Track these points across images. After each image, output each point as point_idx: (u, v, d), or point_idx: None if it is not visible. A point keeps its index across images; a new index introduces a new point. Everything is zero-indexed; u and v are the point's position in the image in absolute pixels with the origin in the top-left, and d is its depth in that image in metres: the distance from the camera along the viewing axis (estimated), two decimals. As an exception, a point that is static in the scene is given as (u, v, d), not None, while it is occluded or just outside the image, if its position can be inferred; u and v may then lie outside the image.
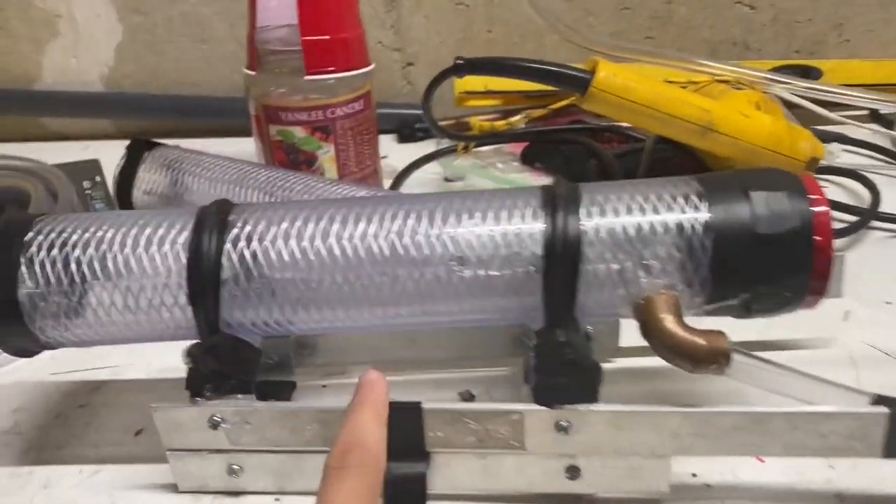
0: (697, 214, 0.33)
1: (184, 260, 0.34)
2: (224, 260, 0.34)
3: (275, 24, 0.60)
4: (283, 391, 0.41)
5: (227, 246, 0.34)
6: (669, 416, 0.32)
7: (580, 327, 0.34)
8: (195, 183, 0.57)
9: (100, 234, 0.35)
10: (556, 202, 0.33)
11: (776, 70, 0.74)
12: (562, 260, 0.32)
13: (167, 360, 0.38)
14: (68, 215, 0.36)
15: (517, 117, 0.69)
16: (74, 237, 0.35)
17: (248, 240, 0.34)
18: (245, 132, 0.79)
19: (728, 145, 0.55)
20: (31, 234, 0.35)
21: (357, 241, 0.34)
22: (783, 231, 0.32)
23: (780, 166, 0.58)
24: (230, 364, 0.34)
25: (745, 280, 0.32)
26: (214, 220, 0.34)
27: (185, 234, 0.34)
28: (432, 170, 0.73)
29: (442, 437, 0.34)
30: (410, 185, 0.70)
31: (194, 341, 0.34)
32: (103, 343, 0.37)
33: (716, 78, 0.64)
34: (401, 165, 0.73)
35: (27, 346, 0.36)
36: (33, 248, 0.34)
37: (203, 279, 0.33)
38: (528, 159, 0.71)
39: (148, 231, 0.35)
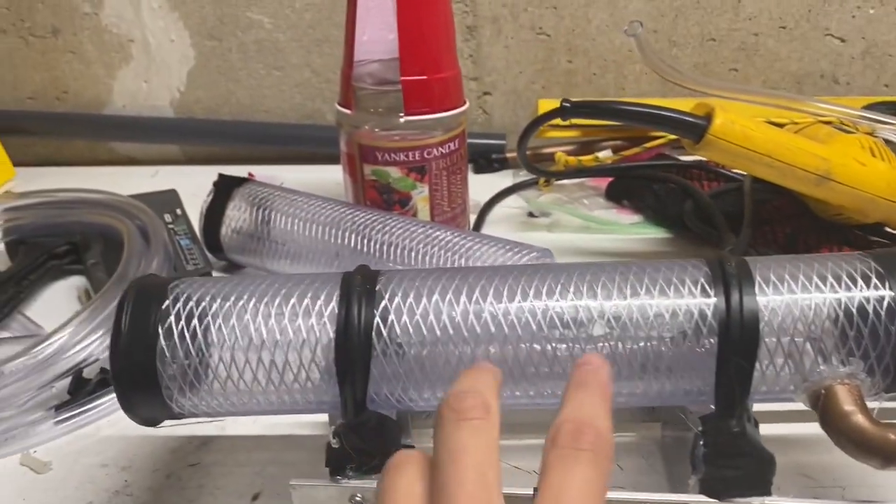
0: (879, 295, 0.31)
1: (331, 334, 0.32)
2: (374, 335, 0.32)
3: (366, 58, 0.59)
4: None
5: (377, 320, 0.32)
6: (848, 513, 0.31)
7: (752, 415, 0.32)
8: (288, 223, 0.55)
9: (241, 303, 0.33)
10: (728, 278, 0.31)
11: (869, 108, 0.72)
12: (739, 343, 0.30)
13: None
14: (203, 280, 0.35)
15: (605, 154, 0.67)
16: (214, 306, 0.33)
17: (399, 314, 0.32)
18: (317, 160, 0.78)
19: (844, 194, 0.53)
20: (167, 302, 0.33)
21: (514, 315, 0.32)
22: (978, 319, 0.30)
23: (894, 216, 0.56)
24: (375, 443, 0.33)
25: (933, 368, 0.30)
26: (362, 290, 0.33)
27: (332, 306, 0.33)
28: (514, 204, 0.71)
29: (598, 526, 0.32)
30: (494, 220, 0.68)
31: (340, 421, 0.33)
32: (237, 415, 0.35)
33: (819, 119, 0.62)
34: (479, 197, 0.71)
35: (157, 416, 0.35)
36: (171, 318, 0.33)
37: (353, 356, 0.32)
38: (613, 195, 0.69)
39: (293, 301, 0.33)
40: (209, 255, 0.59)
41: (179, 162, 0.83)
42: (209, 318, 0.33)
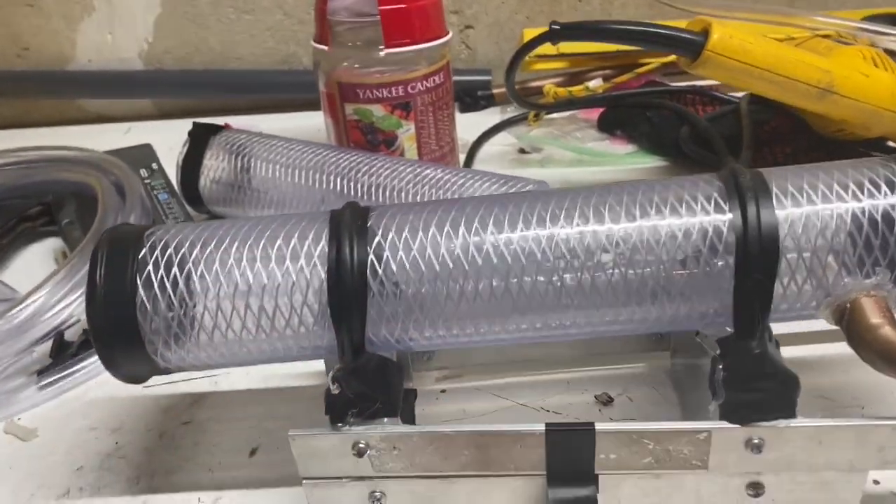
0: (903, 202, 0.29)
1: (323, 275, 0.30)
2: (368, 274, 0.30)
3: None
4: (405, 401, 0.37)
5: (371, 258, 0.30)
6: (877, 430, 0.29)
7: (772, 334, 0.30)
8: (269, 169, 0.53)
9: (223, 248, 0.31)
10: (744, 191, 0.29)
11: (867, 20, 0.70)
12: (758, 259, 0.28)
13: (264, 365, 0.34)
14: (180, 226, 0.33)
15: (595, 83, 0.65)
16: (195, 253, 0.31)
17: (395, 250, 0.30)
18: (295, 106, 0.75)
19: (847, 107, 0.51)
20: (144, 251, 0.31)
21: (516, 245, 0.30)
22: None
23: (900, 128, 0.54)
24: (377, 386, 0.31)
25: (963, 276, 0.29)
26: (353, 228, 0.30)
27: (321, 245, 0.31)
28: (504, 141, 0.68)
29: (615, 460, 0.31)
30: (483, 160, 0.66)
31: (338, 365, 0.31)
32: (227, 366, 0.33)
33: (816, 33, 0.59)
34: (467, 137, 0.69)
35: (142, 373, 0.33)
36: (150, 268, 0.31)
37: (347, 297, 0.30)
38: (606, 126, 0.67)
39: (278, 243, 0.31)
40: (189, 208, 0.57)
41: (153, 117, 0.79)
42: (190, 265, 0.31)
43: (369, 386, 0.31)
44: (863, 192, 0.29)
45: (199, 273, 0.31)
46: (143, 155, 0.64)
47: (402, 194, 0.48)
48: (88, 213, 0.53)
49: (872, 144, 0.57)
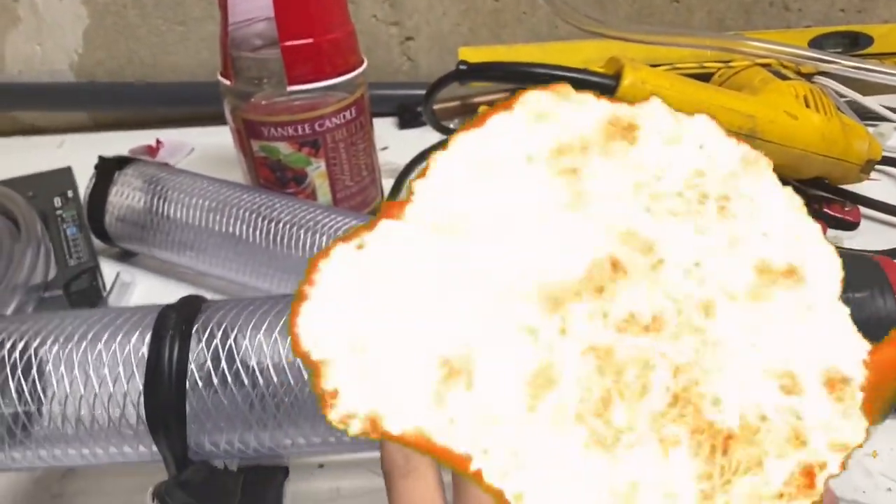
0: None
1: (140, 385, 0.28)
2: (188, 382, 0.28)
3: (251, 17, 0.53)
4: (273, 479, 0.36)
5: (192, 366, 0.28)
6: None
7: None
8: (172, 209, 0.51)
9: (44, 349, 0.29)
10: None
11: (819, 38, 0.66)
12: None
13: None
14: (5, 321, 0.31)
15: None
16: (15, 355, 0.29)
17: (217, 359, 0.28)
18: (231, 120, 0.73)
19: (773, 152, 0.47)
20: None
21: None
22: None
23: (832, 170, 0.51)
24: (206, 498, 0.29)
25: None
26: (175, 332, 0.29)
27: (143, 350, 0.29)
28: (437, 164, 0.66)
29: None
30: (413, 185, 0.64)
31: (161, 480, 0.29)
32: (66, 465, 0.32)
33: (756, 61, 0.57)
34: (402, 158, 0.66)
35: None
36: (-34, 372, 0.29)
37: (163, 407, 0.28)
38: (542, 150, 0.64)
39: (99, 347, 0.29)
40: (99, 244, 0.55)
41: (88, 129, 0.77)
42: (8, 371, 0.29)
43: (197, 498, 0.29)
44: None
45: (17, 376, 0.29)
46: (59, 181, 0.62)
47: (301, 244, 0.47)
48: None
49: (812, 182, 0.55)
